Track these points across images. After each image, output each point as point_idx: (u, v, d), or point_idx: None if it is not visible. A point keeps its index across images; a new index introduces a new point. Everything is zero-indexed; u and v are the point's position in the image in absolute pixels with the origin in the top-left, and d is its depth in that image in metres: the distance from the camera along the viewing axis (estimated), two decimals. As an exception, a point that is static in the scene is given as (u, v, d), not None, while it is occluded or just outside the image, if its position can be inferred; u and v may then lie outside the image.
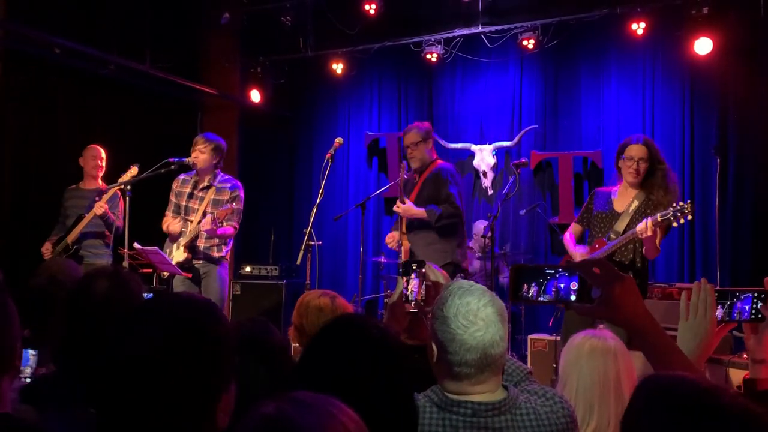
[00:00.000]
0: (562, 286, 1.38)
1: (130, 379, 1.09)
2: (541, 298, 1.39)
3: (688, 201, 3.95)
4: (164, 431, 1.09)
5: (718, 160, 5.66)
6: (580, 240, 4.45)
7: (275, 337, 1.61)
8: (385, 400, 1.28)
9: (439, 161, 5.18)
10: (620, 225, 4.15)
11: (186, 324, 1.14)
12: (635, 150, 4.15)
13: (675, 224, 3.96)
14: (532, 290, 1.40)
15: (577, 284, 1.37)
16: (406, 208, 4.89)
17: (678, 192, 4.22)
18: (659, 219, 3.91)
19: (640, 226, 3.95)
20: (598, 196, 4.38)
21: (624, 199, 4.24)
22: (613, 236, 4.15)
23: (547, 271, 1.40)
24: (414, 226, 4.99)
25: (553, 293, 1.38)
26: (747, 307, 1.55)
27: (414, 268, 2.00)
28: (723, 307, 1.54)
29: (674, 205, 3.97)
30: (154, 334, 1.11)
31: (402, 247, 4.99)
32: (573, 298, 1.37)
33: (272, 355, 1.57)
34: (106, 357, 1.13)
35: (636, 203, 4.16)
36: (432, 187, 4.96)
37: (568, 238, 4.43)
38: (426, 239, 4.92)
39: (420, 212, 4.88)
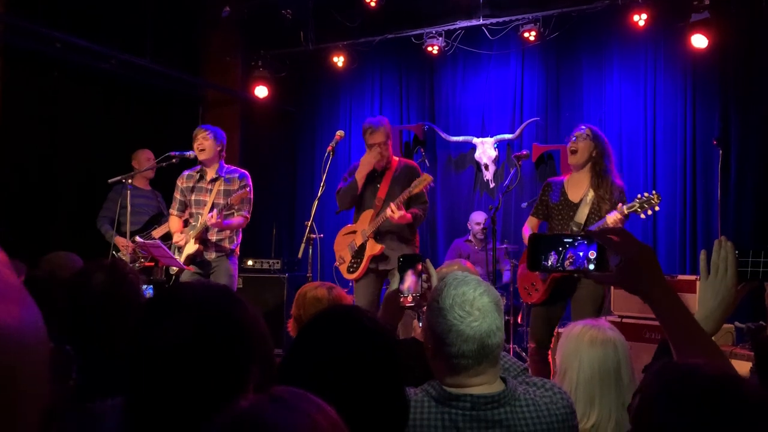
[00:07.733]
0: (581, 254, 1.36)
1: (163, 371, 1.10)
2: (560, 267, 1.39)
3: (654, 192, 3.91)
4: (200, 418, 1.10)
5: (720, 152, 5.63)
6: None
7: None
8: (373, 393, 1.28)
9: (397, 158, 4.96)
10: (580, 216, 4.09)
11: (211, 310, 1.15)
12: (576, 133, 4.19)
13: (642, 216, 3.90)
14: (551, 259, 1.39)
15: (595, 253, 1.35)
16: (402, 215, 4.54)
17: (619, 188, 4.11)
18: (626, 211, 3.87)
19: (612, 219, 3.88)
20: (551, 186, 4.33)
21: (577, 188, 4.18)
22: (575, 228, 4.06)
23: (566, 239, 1.39)
24: (387, 229, 4.74)
25: (571, 262, 1.37)
26: None
27: (412, 263, 1.98)
28: (745, 266, 1.49)
29: (639, 195, 3.91)
30: (183, 323, 1.12)
31: (365, 253, 4.73)
32: (591, 267, 1.36)
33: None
34: (136, 349, 1.14)
35: (592, 193, 4.09)
36: (405, 182, 4.69)
37: (526, 231, 4.38)
38: (399, 241, 4.75)
39: (409, 218, 4.63)
